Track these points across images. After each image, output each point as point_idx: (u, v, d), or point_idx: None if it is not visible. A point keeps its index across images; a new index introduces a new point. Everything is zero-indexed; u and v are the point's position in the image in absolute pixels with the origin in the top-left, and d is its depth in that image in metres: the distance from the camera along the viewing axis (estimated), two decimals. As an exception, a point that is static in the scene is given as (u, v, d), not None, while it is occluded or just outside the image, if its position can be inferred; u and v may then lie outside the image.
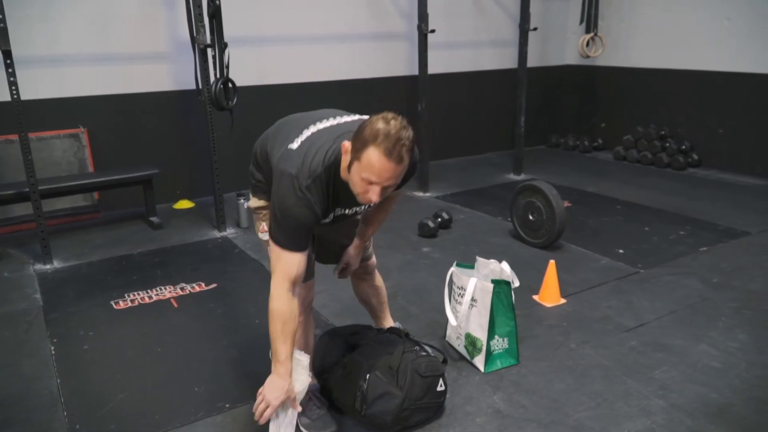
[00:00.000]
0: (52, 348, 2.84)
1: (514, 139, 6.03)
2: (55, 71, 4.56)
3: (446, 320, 2.69)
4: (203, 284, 3.53)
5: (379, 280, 2.56)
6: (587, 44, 6.31)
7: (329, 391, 2.30)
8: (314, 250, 2.14)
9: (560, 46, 7.26)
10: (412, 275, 3.60)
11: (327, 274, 2.37)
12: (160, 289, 3.46)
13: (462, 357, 2.65)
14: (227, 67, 4.21)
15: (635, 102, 6.59)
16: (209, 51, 4.16)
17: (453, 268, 2.67)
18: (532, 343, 2.78)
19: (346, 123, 1.94)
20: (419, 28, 5.01)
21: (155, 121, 5.05)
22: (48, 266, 3.83)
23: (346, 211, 2.03)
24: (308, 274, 2.03)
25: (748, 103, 5.62)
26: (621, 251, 3.88)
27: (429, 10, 4.97)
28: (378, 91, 6.00)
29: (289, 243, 1.82)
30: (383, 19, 5.93)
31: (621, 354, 2.67)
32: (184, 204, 5.16)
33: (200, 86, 4.26)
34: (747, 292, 3.25)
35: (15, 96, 3.52)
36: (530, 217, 4.01)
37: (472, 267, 2.71)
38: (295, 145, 1.85)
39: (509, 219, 4.24)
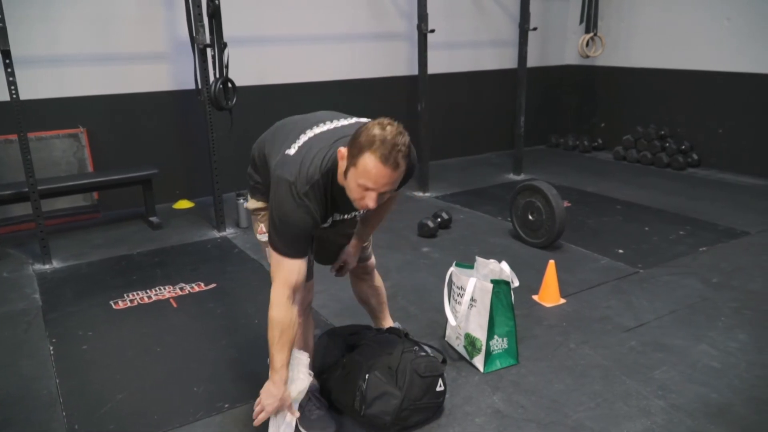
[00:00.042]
0: (51, 348, 2.84)
1: (513, 139, 6.02)
2: (54, 71, 4.56)
3: (446, 320, 2.68)
4: (202, 284, 3.52)
5: (378, 280, 2.56)
6: (587, 44, 6.31)
7: (328, 391, 2.30)
8: (313, 251, 2.14)
9: (560, 46, 7.26)
10: (412, 275, 3.59)
11: (327, 274, 2.37)
12: (160, 289, 3.46)
13: (461, 357, 2.65)
14: (227, 67, 4.20)
15: (635, 102, 6.59)
16: (209, 51, 4.16)
17: (452, 268, 2.67)
18: (531, 343, 2.77)
19: (343, 127, 1.93)
20: (419, 28, 5.01)
21: (155, 121, 5.05)
22: (47, 266, 3.83)
23: (345, 216, 2.04)
24: (307, 275, 2.02)
25: (748, 103, 5.62)
26: (621, 251, 3.88)
27: (429, 10, 4.97)
28: (378, 91, 6.00)
29: (288, 250, 1.82)
30: (383, 19, 5.93)
31: (620, 354, 2.67)
32: (184, 204, 5.16)
33: (200, 86, 4.25)
34: (747, 292, 3.25)
35: (14, 96, 3.51)
36: (530, 217, 4.01)
37: (471, 267, 2.71)
38: (292, 151, 1.85)
39: (509, 219, 4.24)
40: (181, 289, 3.47)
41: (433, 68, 5.28)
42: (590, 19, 6.33)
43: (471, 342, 2.58)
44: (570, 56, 7.23)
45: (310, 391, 2.19)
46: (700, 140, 6.05)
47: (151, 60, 4.89)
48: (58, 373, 2.62)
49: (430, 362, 2.25)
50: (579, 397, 2.37)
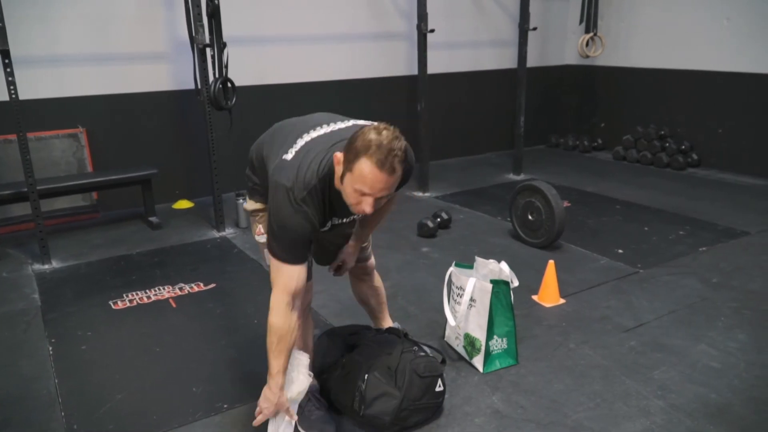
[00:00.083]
0: (51, 348, 2.83)
1: (513, 139, 6.02)
2: (54, 71, 4.56)
3: (445, 320, 2.68)
4: (202, 284, 3.52)
5: (378, 280, 2.56)
6: (587, 44, 6.31)
7: (328, 391, 2.30)
8: (312, 253, 2.14)
9: (560, 46, 7.26)
10: (412, 275, 3.59)
11: (326, 274, 2.36)
12: (159, 289, 3.46)
13: (461, 357, 2.65)
14: (226, 66, 4.20)
15: (635, 102, 6.59)
16: (208, 51, 4.16)
17: (452, 268, 2.67)
18: (531, 343, 2.77)
19: (340, 130, 1.92)
20: (419, 27, 5.01)
21: (154, 121, 5.04)
22: (46, 266, 3.83)
23: (344, 219, 2.03)
24: (306, 275, 2.02)
25: (747, 103, 5.62)
26: (620, 251, 3.87)
27: (428, 10, 4.96)
28: (377, 91, 6.00)
29: (287, 255, 1.82)
30: (383, 18, 5.92)
31: (620, 354, 2.67)
32: (183, 204, 5.15)
33: (199, 86, 4.25)
34: (746, 292, 3.25)
35: (13, 96, 3.51)
36: (529, 217, 4.01)
37: (471, 267, 2.71)
38: (289, 156, 1.84)
39: (508, 219, 4.24)
40: (181, 289, 3.47)
41: (432, 68, 5.28)
42: (590, 19, 6.33)
43: (470, 342, 2.58)
44: (570, 56, 7.23)
45: (310, 392, 2.19)
46: (700, 140, 6.05)
47: (150, 60, 4.89)
48: (57, 373, 2.61)
49: (430, 362, 2.25)
50: (578, 397, 2.37)
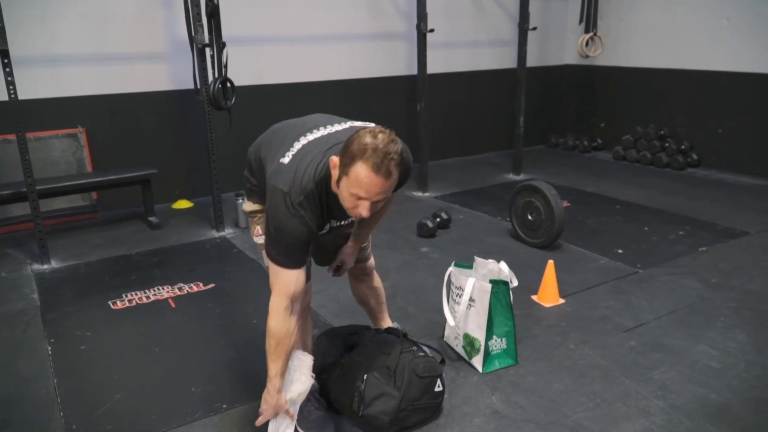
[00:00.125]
0: (50, 348, 2.83)
1: (513, 138, 6.02)
2: (53, 71, 4.55)
3: (444, 320, 2.68)
4: (201, 284, 3.52)
5: (377, 281, 2.56)
6: (586, 44, 6.31)
7: (327, 391, 2.30)
8: (311, 254, 2.13)
9: (559, 45, 7.25)
10: (411, 275, 3.59)
11: (325, 274, 2.36)
12: (158, 289, 3.45)
13: (460, 357, 2.65)
14: (225, 66, 4.20)
15: (634, 102, 6.59)
16: (207, 50, 4.15)
17: (451, 268, 2.67)
18: (530, 343, 2.77)
19: (337, 132, 1.91)
20: (418, 27, 5.01)
21: (154, 120, 5.04)
22: (46, 266, 3.82)
23: (342, 222, 2.03)
24: (305, 278, 2.02)
25: (747, 103, 5.62)
26: (620, 251, 3.87)
27: (428, 10, 4.96)
28: (377, 91, 6.00)
29: (285, 260, 1.82)
30: (382, 18, 5.92)
31: (620, 354, 2.67)
32: (183, 204, 5.15)
33: (198, 86, 4.25)
34: (746, 292, 3.25)
35: (12, 96, 3.51)
36: (529, 217, 4.01)
37: (470, 267, 2.71)
38: (286, 159, 1.83)
39: (508, 219, 4.23)
40: (180, 289, 3.46)
41: (432, 68, 5.28)
42: (590, 19, 6.33)
43: (470, 342, 2.58)
44: (569, 56, 7.22)
45: (309, 392, 2.19)
46: (700, 140, 6.05)
47: (149, 60, 4.89)
48: (56, 374, 2.61)
49: (429, 362, 2.25)
50: (578, 397, 2.37)
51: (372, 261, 2.49)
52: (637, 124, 6.47)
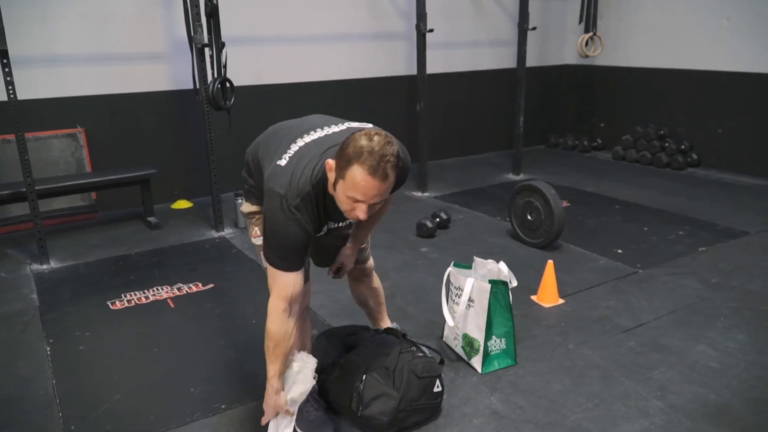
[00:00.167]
0: (48, 348, 2.83)
1: (513, 138, 6.02)
2: (52, 71, 4.55)
3: (444, 321, 2.68)
4: (200, 284, 3.52)
5: (376, 281, 2.55)
6: (586, 44, 6.30)
7: (326, 392, 2.29)
8: (310, 255, 2.13)
9: (559, 45, 7.25)
10: (410, 275, 3.59)
11: (324, 274, 2.36)
12: (157, 290, 3.45)
13: (459, 358, 2.64)
14: (225, 66, 4.19)
15: (634, 102, 6.59)
16: (207, 50, 4.15)
17: (450, 268, 2.66)
18: (529, 343, 2.77)
19: (334, 134, 1.90)
20: (418, 27, 5.00)
21: (153, 121, 5.04)
22: (45, 266, 3.82)
23: (340, 224, 2.03)
24: (304, 277, 2.02)
25: (747, 103, 5.62)
26: (620, 251, 3.87)
27: (427, 10, 4.96)
28: (377, 91, 5.99)
29: (282, 263, 1.81)
30: (382, 18, 5.92)
31: (619, 354, 2.66)
32: (182, 204, 5.15)
33: (198, 86, 4.25)
34: (746, 292, 3.24)
35: (12, 96, 3.51)
36: (529, 217, 4.00)
37: (469, 267, 2.70)
38: (283, 162, 1.82)
39: (508, 219, 4.23)
40: (179, 289, 3.46)
41: (432, 68, 5.27)
42: (589, 19, 6.33)
43: (469, 342, 2.57)
44: (569, 56, 7.22)
45: (309, 392, 2.19)
46: (700, 140, 6.05)
47: (149, 60, 4.89)
48: (55, 374, 2.61)
49: (428, 363, 2.24)
50: (577, 397, 2.36)
51: (371, 262, 2.49)
52: (636, 124, 6.47)
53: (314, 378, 2.01)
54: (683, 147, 6.06)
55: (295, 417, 2.00)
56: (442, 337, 2.80)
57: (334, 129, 1.94)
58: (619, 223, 4.45)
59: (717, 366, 2.55)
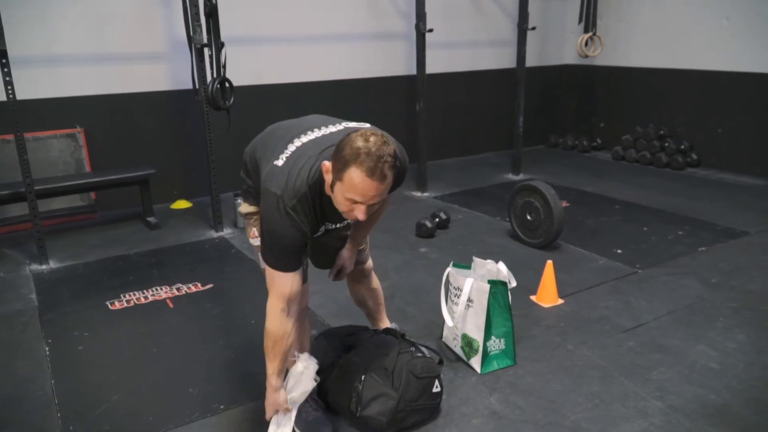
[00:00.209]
0: (47, 349, 2.83)
1: (512, 138, 6.02)
2: (51, 71, 4.55)
3: (443, 321, 2.67)
4: (200, 284, 3.51)
5: (375, 282, 2.55)
6: (586, 44, 6.30)
7: (325, 392, 2.29)
8: (309, 255, 2.13)
9: (559, 45, 7.25)
10: (410, 275, 3.58)
11: (323, 274, 2.35)
12: (156, 290, 3.45)
13: (458, 358, 2.64)
14: (224, 66, 4.19)
15: (634, 102, 6.58)
16: (206, 50, 4.15)
17: (450, 269, 2.66)
18: (529, 343, 2.76)
19: (331, 134, 1.90)
20: (417, 27, 5.00)
21: (152, 121, 5.04)
22: (44, 266, 3.82)
23: (337, 224, 2.02)
24: (302, 277, 2.01)
25: (747, 103, 5.61)
26: (619, 251, 3.87)
27: (427, 10, 4.96)
28: (376, 91, 5.99)
29: (280, 264, 1.81)
30: (381, 18, 5.92)
31: (618, 355, 2.66)
32: (182, 204, 5.14)
33: (197, 86, 4.24)
34: (746, 292, 3.24)
35: (11, 96, 3.50)
36: (528, 217, 4.00)
37: (468, 267, 2.70)
38: (280, 162, 1.82)
39: (507, 219, 4.23)
40: (178, 289, 3.46)
41: (431, 68, 5.27)
42: (589, 19, 6.32)
43: (468, 343, 2.57)
44: (569, 56, 7.22)
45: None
46: (700, 140, 6.04)
47: (148, 60, 4.88)
48: (54, 374, 2.61)
49: (427, 363, 2.24)
50: (576, 398, 2.36)
51: (370, 263, 2.48)
52: (636, 124, 6.47)
53: (316, 380, 2.01)
54: (683, 147, 6.06)
55: (293, 417, 2.00)
56: (441, 337, 2.79)
57: (332, 129, 1.93)
58: (619, 223, 4.45)
59: (717, 366, 2.55)
